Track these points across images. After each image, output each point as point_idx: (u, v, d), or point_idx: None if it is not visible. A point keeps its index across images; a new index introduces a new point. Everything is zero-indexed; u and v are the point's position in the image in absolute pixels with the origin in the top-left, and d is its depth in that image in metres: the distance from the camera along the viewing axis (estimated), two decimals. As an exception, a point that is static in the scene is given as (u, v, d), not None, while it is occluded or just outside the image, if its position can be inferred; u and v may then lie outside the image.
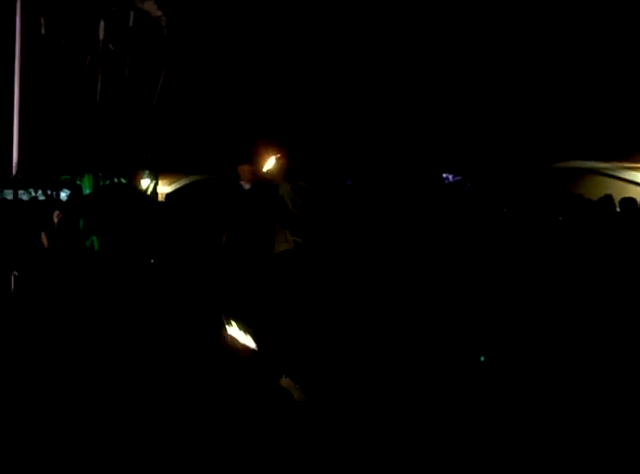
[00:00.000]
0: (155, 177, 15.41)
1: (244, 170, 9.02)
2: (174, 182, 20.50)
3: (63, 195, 11.20)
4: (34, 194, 12.51)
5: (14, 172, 12.11)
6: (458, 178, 15.80)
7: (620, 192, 13.16)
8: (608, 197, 9.99)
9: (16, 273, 7.54)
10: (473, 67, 17.08)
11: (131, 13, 14.01)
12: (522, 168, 16.12)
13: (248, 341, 5.69)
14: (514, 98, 17.00)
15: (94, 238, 7.39)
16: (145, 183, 15.13)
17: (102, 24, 13.84)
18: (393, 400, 5.13)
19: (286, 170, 6.72)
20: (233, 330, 5.76)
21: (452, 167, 16.73)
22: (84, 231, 7.57)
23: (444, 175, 16.00)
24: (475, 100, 17.15)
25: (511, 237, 8.59)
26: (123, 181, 14.88)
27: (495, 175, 15.93)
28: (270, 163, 7.61)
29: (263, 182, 8.26)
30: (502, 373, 5.95)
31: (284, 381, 5.35)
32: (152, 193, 14.24)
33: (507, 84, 17.01)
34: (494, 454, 4.12)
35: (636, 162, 16.31)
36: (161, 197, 15.54)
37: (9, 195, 11.68)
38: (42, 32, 13.57)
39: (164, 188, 18.97)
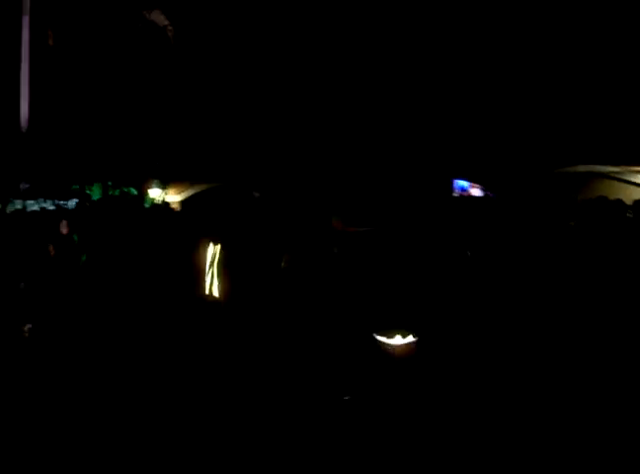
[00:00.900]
0: (164, 186, 15.44)
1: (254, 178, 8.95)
2: (183, 190, 20.45)
3: (72, 204, 11.19)
4: (43, 204, 12.52)
5: (21, 182, 12.13)
6: (486, 192, 15.75)
7: (631, 195, 13.04)
8: (619, 202, 9.90)
9: (22, 284, 7.52)
10: (483, 74, 17.03)
11: (139, 23, 14.08)
12: (533, 173, 16.04)
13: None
14: (524, 103, 16.93)
15: (84, 254, 7.38)
16: (154, 192, 15.14)
17: (111, 35, 13.91)
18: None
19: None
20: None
21: (463, 173, 16.67)
22: (79, 246, 7.54)
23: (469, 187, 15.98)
24: (485, 105, 17.09)
25: (525, 244, 8.53)
26: (133, 190, 14.91)
27: (507, 181, 15.86)
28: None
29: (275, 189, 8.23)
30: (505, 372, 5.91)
31: None
32: (161, 202, 14.24)
33: (517, 89, 16.95)
34: (494, 454, 4.09)
35: (647, 166, 16.21)
36: (172, 206, 15.53)
37: (19, 205, 11.70)
38: (51, 43, 13.61)
39: (174, 197, 18.95)
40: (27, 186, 12.68)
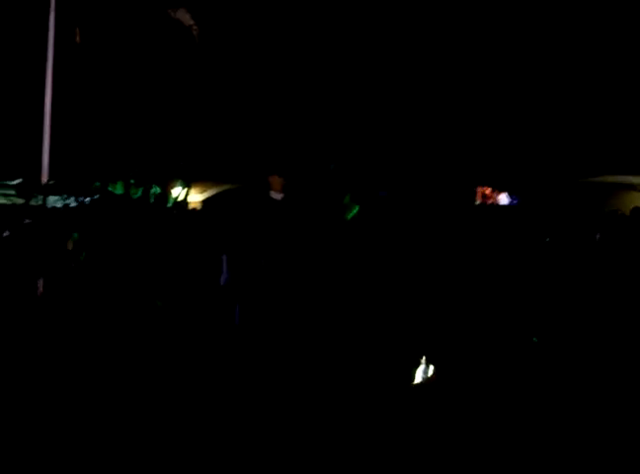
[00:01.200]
0: (187, 185, 15.44)
1: (275, 180, 8.85)
2: (205, 190, 20.50)
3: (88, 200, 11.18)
4: (66, 200, 12.53)
5: (44, 178, 12.19)
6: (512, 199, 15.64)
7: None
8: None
9: (41, 280, 7.50)
10: (514, 82, 16.90)
11: (165, 23, 14.12)
12: (559, 182, 15.86)
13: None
14: (553, 111, 16.77)
15: (84, 252, 7.33)
16: (177, 191, 15.14)
17: (136, 33, 13.97)
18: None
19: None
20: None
21: (489, 182, 16.54)
22: (78, 244, 7.49)
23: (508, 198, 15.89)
24: (514, 113, 16.96)
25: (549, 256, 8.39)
26: (157, 189, 14.92)
27: (533, 189, 15.70)
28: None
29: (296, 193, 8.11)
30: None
31: None
32: (182, 201, 14.24)
33: (548, 98, 16.80)
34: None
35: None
36: (194, 205, 15.53)
37: (41, 200, 11.70)
38: (77, 40, 13.69)
39: (195, 196, 18.98)
40: (51, 182, 12.73)
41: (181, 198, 14.39)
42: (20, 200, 9.46)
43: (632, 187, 15.92)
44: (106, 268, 7.14)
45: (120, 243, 7.61)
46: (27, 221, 7.64)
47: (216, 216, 8.28)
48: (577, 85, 16.65)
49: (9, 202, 9.21)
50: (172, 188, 14.71)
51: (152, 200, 11.35)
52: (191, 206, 14.31)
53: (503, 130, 17.04)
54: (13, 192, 10.79)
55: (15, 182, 12.07)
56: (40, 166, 12.68)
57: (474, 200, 15.53)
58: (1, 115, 14.90)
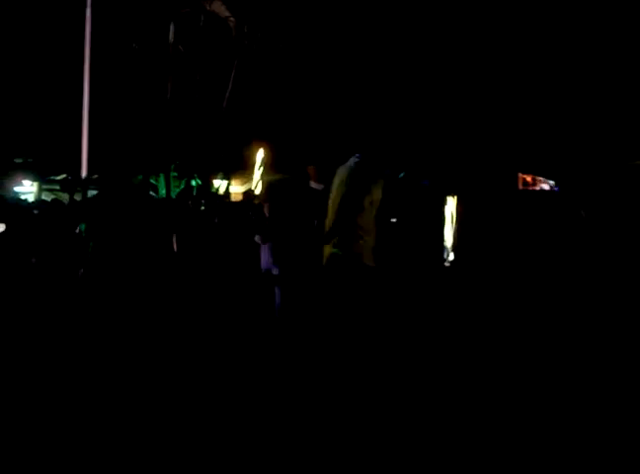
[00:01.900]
0: (228, 177, 15.48)
1: (313, 171, 8.81)
2: (246, 182, 20.55)
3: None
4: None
5: (84, 172, 12.32)
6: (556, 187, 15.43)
7: None
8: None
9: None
10: (555, 70, 16.72)
11: (201, 15, 14.08)
12: (604, 167, 15.60)
13: None
14: (594, 97, 16.54)
15: (91, 243, 7.38)
16: (218, 183, 15.21)
17: (172, 26, 13.99)
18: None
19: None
20: None
21: (531, 167, 16.34)
22: (86, 236, 7.52)
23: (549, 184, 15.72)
24: (555, 100, 16.75)
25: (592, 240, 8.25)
26: (198, 181, 15.00)
27: (577, 174, 15.48)
28: None
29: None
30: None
31: None
32: (225, 192, 14.29)
33: (589, 83, 16.58)
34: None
35: None
36: (235, 197, 15.58)
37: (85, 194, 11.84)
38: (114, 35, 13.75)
39: (237, 187, 19.04)
40: (94, 176, 12.89)
41: (222, 190, 14.46)
42: (65, 195, 9.59)
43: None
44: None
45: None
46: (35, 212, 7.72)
47: (258, 206, 8.28)
48: (613, 71, 16.40)
49: (54, 197, 9.36)
50: (213, 179, 14.79)
51: (194, 192, 11.41)
52: (232, 198, 14.36)
53: (542, 117, 16.84)
54: (58, 187, 10.96)
55: (59, 177, 12.25)
56: (80, 161, 12.84)
57: (516, 187, 15.35)
58: (43, 112, 15.11)
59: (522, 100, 16.92)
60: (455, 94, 16.69)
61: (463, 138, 16.27)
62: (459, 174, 12.96)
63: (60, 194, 10.73)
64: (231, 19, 13.20)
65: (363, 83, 16.60)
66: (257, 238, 7.27)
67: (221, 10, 13.06)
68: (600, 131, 16.44)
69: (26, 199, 9.40)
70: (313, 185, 8.67)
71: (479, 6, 16.77)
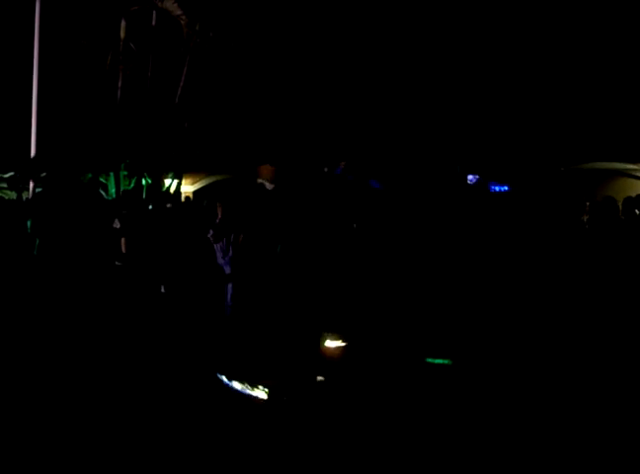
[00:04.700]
0: (179, 176, 15.41)
1: (266, 170, 8.86)
2: (197, 181, 20.51)
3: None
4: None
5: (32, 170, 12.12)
6: (477, 178, 15.58)
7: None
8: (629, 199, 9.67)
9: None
10: (504, 71, 16.94)
11: (152, 12, 13.97)
12: (548, 168, 15.90)
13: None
14: (542, 98, 16.81)
15: (37, 241, 7.29)
16: (169, 182, 15.13)
17: (123, 23, 13.86)
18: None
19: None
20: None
21: (479, 170, 16.58)
22: (31, 234, 7.41)
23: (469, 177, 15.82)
24: (503, 102, 16.99)
25: (537, 240, 8.42)
26: (148, 180, 14.91)
27: (521, 176, 15.73)
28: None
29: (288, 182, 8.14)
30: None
31: None
32: (175, 192, 14.23)
33: (537, 85, 16.84)
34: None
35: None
36: (186, 196, 15.53)
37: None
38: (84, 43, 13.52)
39: (187, 187, 18.98)
40: (44, 174, 12.70)
41: (173, 189, 14.39)
42: (13, 194, 9.46)
43: (621, 173, 15.99)
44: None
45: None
46: None
47: (208, 206, 8.30)
48: (566, 74, 16.71)
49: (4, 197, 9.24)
50: (164, 179, 14.70)
51: (144, 191, 11.32)
52: (183, 197, 14.29)
53: (491, 119, 17.09)
54: (5, 185, 10.79)
55: (7, 175, 12.05)
56: (28, 159, 12.66)
57: (464, 187, 15.57)
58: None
59: (472, 102, 17.15)
60: (400, 95, 16.88)
61: (409, 139, 16.47)
62: (404, 175, 13.12)
63: (8, 192, 10.59)
64: (183, 17, 13.16)
65: (310, 81, 16.70)
66: (210, 235, 7.30)
67: (173, 8, 13.00)
68: (548, 134, 16.75)
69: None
70: (266, 185, 8.70)
71: (443, 10, 16.99)
